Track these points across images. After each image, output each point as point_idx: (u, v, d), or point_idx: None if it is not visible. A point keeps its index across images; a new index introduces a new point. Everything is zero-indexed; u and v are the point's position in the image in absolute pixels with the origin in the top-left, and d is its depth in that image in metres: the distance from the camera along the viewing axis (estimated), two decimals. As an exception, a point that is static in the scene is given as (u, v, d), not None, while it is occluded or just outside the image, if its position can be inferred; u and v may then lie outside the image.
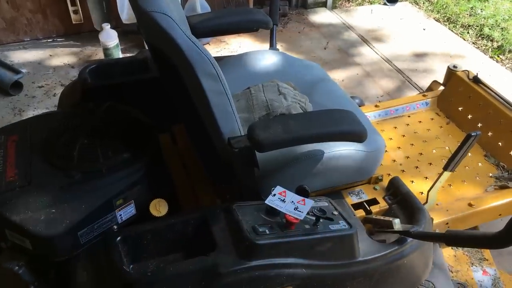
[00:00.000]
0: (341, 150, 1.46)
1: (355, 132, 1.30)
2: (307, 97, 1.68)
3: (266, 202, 1.28)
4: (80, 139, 1.42)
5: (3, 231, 1.33)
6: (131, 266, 1.27)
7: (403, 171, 2.03)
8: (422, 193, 1.91)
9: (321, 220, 1.30)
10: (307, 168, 1.44)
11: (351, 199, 1.65)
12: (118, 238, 1.23)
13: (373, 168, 1.58)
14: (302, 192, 1.31)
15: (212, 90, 1.21)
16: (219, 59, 1.77)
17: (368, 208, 1.62)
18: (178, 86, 1.33)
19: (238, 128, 1.28)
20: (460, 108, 2.30)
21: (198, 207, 1.56)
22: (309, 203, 1.28)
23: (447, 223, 1.83)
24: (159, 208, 1.44)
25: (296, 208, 1.27)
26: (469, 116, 2.25)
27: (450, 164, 1.51)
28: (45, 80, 3.22)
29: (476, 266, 1.94)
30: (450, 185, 1.97)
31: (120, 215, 1.42)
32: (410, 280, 1.51)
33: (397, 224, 1.45)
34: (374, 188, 1.69)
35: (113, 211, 1.40)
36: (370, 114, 2.31)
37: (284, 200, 1.29)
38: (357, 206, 1.64)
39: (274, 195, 1.30)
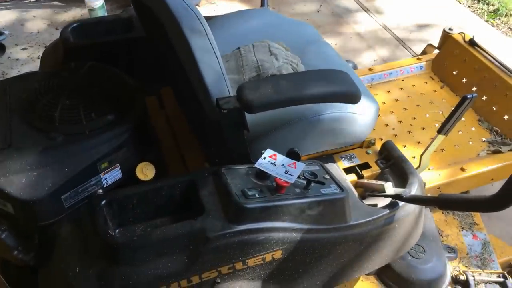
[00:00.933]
0: (334, 113, 1.42)
1: (348, 92, 1.25)
2: (299, 58, 1.62)
3: (256, 165, 1.24)
4: (62, 100, 1.35)
5: (-17, 195, 1.28)
6: (117, 230, 1.23)
7: (396, 135, 2.00)
8: (414, 157, 1.88)
9: (312, 184, 1.26)
10: (299, 131, 1.40)
11: (343, 163, 1.61)
12: (103, 201, 1.19)
13: (366, 132, 1.54)
14: (293, 155, 1.28)
15: (200, 47, 1.15)
16: (208, 18, 1.69)
17: (360, 172, 1.59)
18: (165, 46, 1.27)
19: (227, 89, 1.23)
20: (454, 72, 2.25)
21: (186, 171, 1.51)
22: (300, 166, 1.24)
23: (439, 188, 1.81)
24: (145, 171, 1.39)
25: (286, 172, 1.23)
26: (464, 80, 2.21)
27: (444, 127, 1.48)
28: (29, 42, 3.12)
29: (466, 230, 1.94)
30: (442, 149, 1.95)
31: (106, 178, 1.38)
32: (401, 244, 1.49)
33: (389, 188, 1.42)
34: (367, 152, 1.65)
35: (98, 174, 1.35)
36: (363, 77, 2.26)
37: (275, 164, 1.25)
38: (349, 170, 1.61)
39: (264, 158, 1.26)
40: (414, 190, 1.44)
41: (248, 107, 1.18)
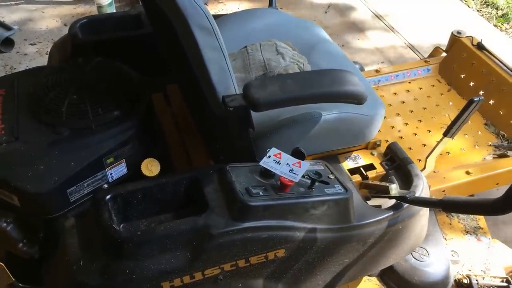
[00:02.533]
0: (340, 113, 1.42)
1: (354, 93, 1.25)
2: (306, 58, 1.62)
3: (260, 163, 1.24)
4: (69, 95, 1.36)
5: (-10, 187, 1.29)
6: (122, 225, 1.24)
7: (402, 137, 2.00)
8: (419, 160, 1.88)
9: (316, 184, 1.26)
10: (304, 131, 1.40)
11: (348, 164, 1.61)
12: (108, 196, 1.20)
13: (372, 133, 1.54)
14: (297, 154, 1.28)
15: (207, 45, 1.16)
16: (216, 17, 1.70)
17: (365, 173, 1.59)
18: (172, 43, 1.27)
19: (233, 86, 1.23)
20: (462, 75, 2.25)
21: (191, 168, 1.52)
22: (305, 165, 1.24)
23: (443, 191, 1.81)
24: (151, 168, 1.40)
25: (291, 171, 1.23)
26: (471, 84, 2.20)
27: (450, 130, 1.47)
28: (37, 37, 3.13)
29: (470, 234, 1.93)
30: (448, 152, 1.94)
31: (111, 173, 1.39)
32: (404, 246, 1.49)
33: (393, 189, 1.42)
34: (372, 154, 1.65)
35: (104, 169, 1.36)
36: (370, 79, 2.26)
37: (279, 162, 1.25)
38: (353, 171, 1.61)
39: (269, 156, 1.26)
40: (418, 192, 1.44)
41: (254, 105, 1.18)
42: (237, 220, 1.17)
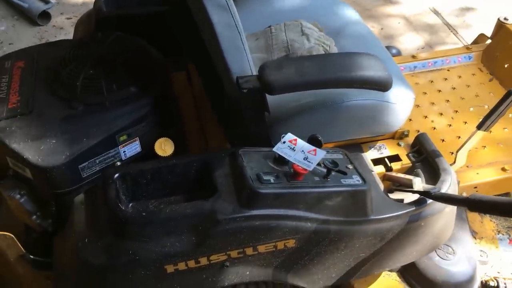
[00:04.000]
0: (364, 100, 1.34)
1: (378, 79, 1.16)
2: (333, 40, 1.54)
3: (274, 149, 1.19)
4: (85, 69, 1.34)
5: (5, 158, 1.30)
6: (130, 204, 1.22)
7: (435, 128, 1.89)
8: (452, 153, 1.77)
9: (332, 173, 1.20)
10: (324, 117, 1.33)
11: (372, 154, 1.53)
12: (117, 174, 1.17)
13: (398, 122, 1.45)
14: (314, 141, 1.21)
15: (221, 22, 1.10)
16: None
17: (389, 165, 1.51)
18: (188, 22, 1.22)
19: (249, 67, 1.17)
20: (506, 65, 2.09)
21: (204, 151, 1.47)
22: (321, 153, 1.18)
23: (475, 187, 1.70)
24: (164, 147, 1.37)
25: (305, 158, 1.17)
26: (516, 74, 2.05)
27: (485, 123, 1.37)
28: (74, 12, 3.15)
29: (502, 234, 1.82)
30: (484, 146, 1.82)
31: (124, 151, 1.37)
32: (427, 243, 1.40)
33: (417, 183, 1.33)
34: (398, 144, 1.56)
35: (117, 147, 1.34)
36: (405, 65, 2.14)
37: (294, 149, 1.19)
38: (377, 161, 1.53)
39: (284, 142, 1.20)
40: (445, 188, 1.35)
41: (268, 88, 1.12)
42: (245, 206, 1.12)
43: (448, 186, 1.36)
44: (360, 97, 1.33)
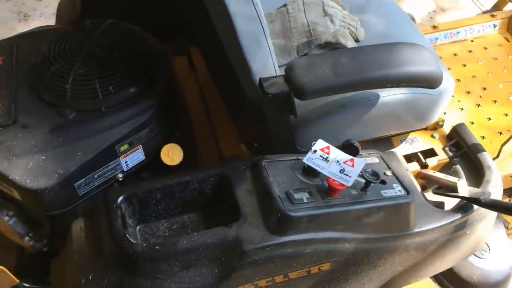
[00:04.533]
0: (402, 94, 1.16)
1: (429, 75, 0.98)
2: (358, 19, 1.33)
3: (304, 161, 1.02)
4: (74, 69, 1.13)
5: (-12, 177, 1.11)
6: (138, 227, 1.05)
7: (462, 109, 1.72)
8: (483, 137, 1.61)
9: (371, 184, 1.03)
10: (356, 115, 1.15)
11: (404, 148, 1.36)
12: (120, 198, 1.00)
13: (437, 114, 1.27)
14: (350, 149, 1.04)
15: (241, 14, 0.90)
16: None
17: (424, 161, 1.35)
18: (196, 7, 1.01)
19: (273, 66, 0.98)
20: (536, 34, 1.91)
21: (219, 162, 1.28)
22: (360, 164, 1.01)
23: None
24: (172, 155, 1.19)
25: (342, 171, 1.00)
26: (547, 45, 1.87)
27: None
28: (53, -20, 2.86)
29: (534, 223, 1.69)
30: (516, 129, 1.66)
31: (126, 162, 1.18)
32: (468, 250, 1.27)
33: (462, 187, 1.18)
34: (432, 136, 1.39)
35: (117, 158, 1.16)
36: (426, 36, 1.94)
37: (327, 159, 1.02)
38: (409, 157, 1.36)
39: (315, 151, 1.02)
40: (491, 189, 1.20)
41: (300, 93, 0.94)
42: (275, 233, 0.96)
43: (495, 187, 1.21)
44: (398, 91, 1.15)
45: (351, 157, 1.02)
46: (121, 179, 1.19)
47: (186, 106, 1.40)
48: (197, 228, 1.07)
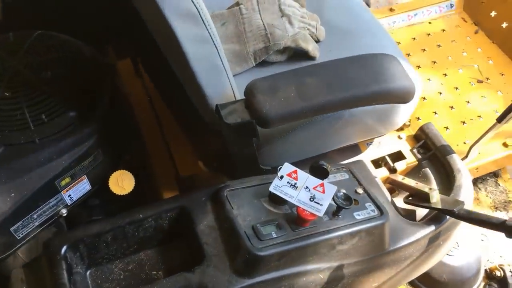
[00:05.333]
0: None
1: (402, 91, 0.89)
2: (318, 17, 1.23)
3: (271, 189, 0.92)
4: (-2, 95, 0.97)
5: None
6: (88, 272, 0.94)
7: (424, 98, 1.67)
8: (447, 128, 1.57)
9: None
10: (323, 128, 1.06)
11: (371, 153, 1.29)
12: (64, 248, 0.87)
13: (405, 118, 1.20)
14: (319, 171, 0.95)
15: (191, 37, 0.77)
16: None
17: (392, 164, 1.28)
18: (140, 31, 0.88)
19: (231, 89, 0.87)
20: (492, 13, 1.86)
21: (176, 174, 1.17)
22: (331, 190, 0.92)
23: (477, 169, 1.52)
24: (122, 183, 1.07)
25: (312, 198, 0.92)
26: (504, 24, 1.83)
27: (506, 116, 1.15)
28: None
29: (500, 210, 1.68)
30: (480, 116, 1.62)
31: (69, 195, 1.05)
32: (441, 255, 1.23)
33: (434, 197, 1.12)
34: (399, 137, 1.33)
35: (58, 193, 1.02)
36: (383, 20, 1.86)
37: (296, 185, 0.93)
38: (377, 161, 1.30)
39: (281, 177, 0.93)
40: (463, 195, 1.15)
41: (263, 122, 0.83)
42: (244, 275, 0.87)
43: (466, 191, 1.16)
44: (366, 100, 1.06)
45: (321, 181, 0.94)
46: (65, 215, 1.06)
47: (135, 120, 1.27)
48: (156, 267, 0.97)
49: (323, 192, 0.93)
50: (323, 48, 1.18)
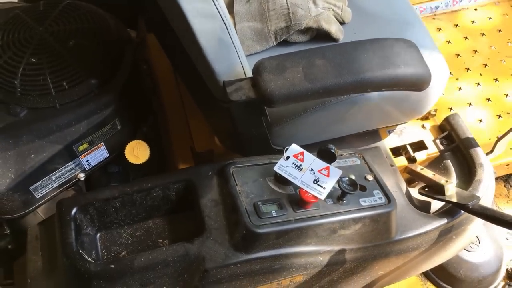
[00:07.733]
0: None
1: (416, 79, 0.86)
2: (345, -1, 1.20)
3: (275, 169, 0.93)
4: (24, 61, 1.02)
5: None
6: (99, 234, 0.98)
7: (460, 88, 1.61)
8: (480, 120, 1.51)
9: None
10: (337, 113, 1.05)
11: (391, 140, 1.27)
12: (74, 210, 0.91)
13: (427, 107, 1.16)
14: (326, 155, 0.94)
15: (198, 12, 0.78)
16: None
17: (412, 154, 1.25)
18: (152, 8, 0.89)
19: (240, 65, 0.87)
20: (545, 2, 1.75)
21: (182, 169, 1.17)
22: (335, 174, 0.92)
23: (507, 165, 1.46)
24: (137, 153, 1.10)
25: (316, 181, 0.91)
26: (557, 15, 1.72)
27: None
28: None
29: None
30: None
31: (87, 160, 1.10)
32: (456, 250, 1.20)
33: (450, 190, 1.09)
34: (423, 126, 1.29)
35: (77, 157, 1.07)
36: (425, 5, 1.79)
37: (301, 167, 0.93)
38: (397, 149, 1.27)
39: (287, 158, 0.93)
40: (482, 191, 1.11)
41: (267, 101, 0.83)
42: (241, 250, 0.89)
43: (486, 188, 1.12)
44: (384, 86, 1.03)
45: (326, 164, 0.93)
46: (83, 179, 1.11)
47: (159, 92, 1.29)
48: (162, 235, 1.00)
49: (328, 175, 0.92)
50: (348, 30, 1.15)
